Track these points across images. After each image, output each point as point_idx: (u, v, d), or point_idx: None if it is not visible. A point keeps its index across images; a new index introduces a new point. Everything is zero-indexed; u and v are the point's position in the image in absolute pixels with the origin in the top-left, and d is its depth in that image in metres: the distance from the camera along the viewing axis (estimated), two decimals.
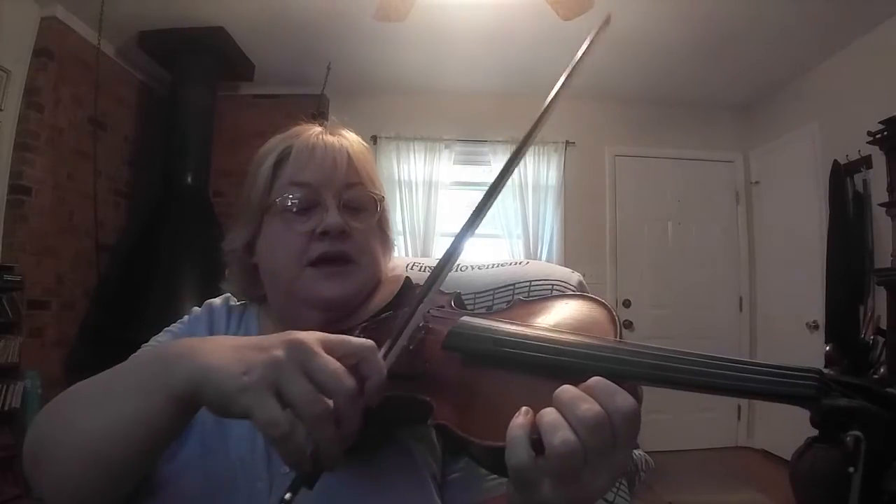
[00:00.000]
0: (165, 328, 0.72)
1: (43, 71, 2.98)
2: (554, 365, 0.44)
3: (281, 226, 0.66)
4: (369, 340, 0.45)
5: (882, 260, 2.99)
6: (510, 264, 0.86)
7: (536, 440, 0.38)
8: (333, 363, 0.42)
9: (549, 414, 0.39)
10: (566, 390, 0.39)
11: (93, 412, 0.48)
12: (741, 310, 4.25)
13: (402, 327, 0.48)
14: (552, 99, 0.56)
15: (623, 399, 0.39)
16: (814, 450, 2.54)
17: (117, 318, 2.95)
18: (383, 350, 0.46)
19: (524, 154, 0.56)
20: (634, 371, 0.42)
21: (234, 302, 0.75)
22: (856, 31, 3.21)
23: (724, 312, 4.23)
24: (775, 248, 4.04)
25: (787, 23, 3.12)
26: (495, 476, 0.60)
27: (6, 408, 2.62)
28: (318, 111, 3.52)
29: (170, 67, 3.64)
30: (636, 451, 2.07)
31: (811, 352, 3.12)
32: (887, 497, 2.06)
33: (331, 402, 0.41)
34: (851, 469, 0.33)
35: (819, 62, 3.56)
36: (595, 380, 0.40)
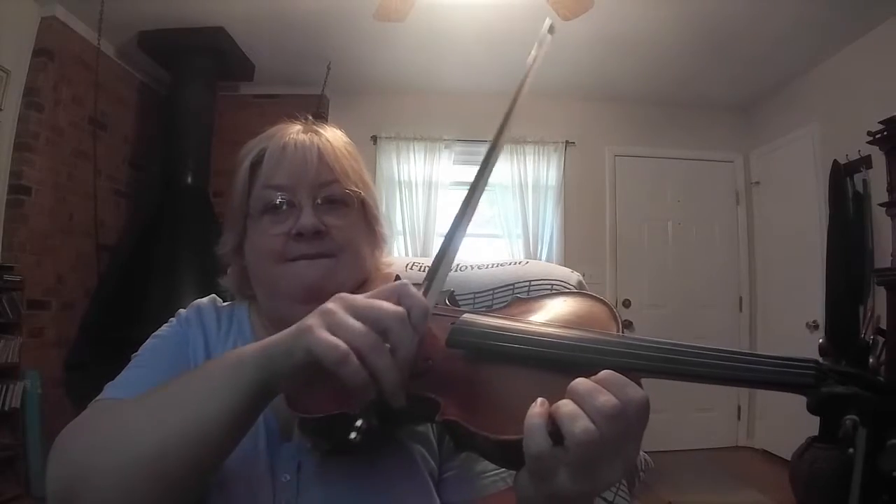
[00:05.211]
0: (153, 334, 0.70)
1: (43, 71, 2.98)
2: (563, 360, 0.45)
3: (260, 229, 0.66)
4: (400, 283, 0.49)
5: (882, 260, 2.99)
6: (510, 264, 0.85)
7: (553, 431, 0.39)
8: (374, 300, 0.45)
9: (567, 405, 0.39)
10: (582, 383, 0.40)
11: (157, 423, 0.47)
12: (741, 310, 4.25)
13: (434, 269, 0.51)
14: (513, 103, 0.60)
15: (634, 391, 0.40)
16: (814, 450, 2.55)
17: (117, 318, 2.95)
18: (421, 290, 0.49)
19: (500, 149, 0.59)
20: (642, 364, 0.43)
21: (220, 303, 0.75)
22: (856, 31, 3.21)
23: (724, 312, 4.23)
24: (775, 248, 4.04)
25: (787, 23, 3.12)
26: (490, 474, 0.61)
27: (6, 408, 2.62)
28: (318, 111, 3.51)
29: (170, 67, 3.64)
30: None
31: (811, 352, 3.11)
32: (887, 497, 2.06)
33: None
34: (851, 450, 0.36)
35: (819, 62, 3.56)
36: (607, 373, 0.41)
